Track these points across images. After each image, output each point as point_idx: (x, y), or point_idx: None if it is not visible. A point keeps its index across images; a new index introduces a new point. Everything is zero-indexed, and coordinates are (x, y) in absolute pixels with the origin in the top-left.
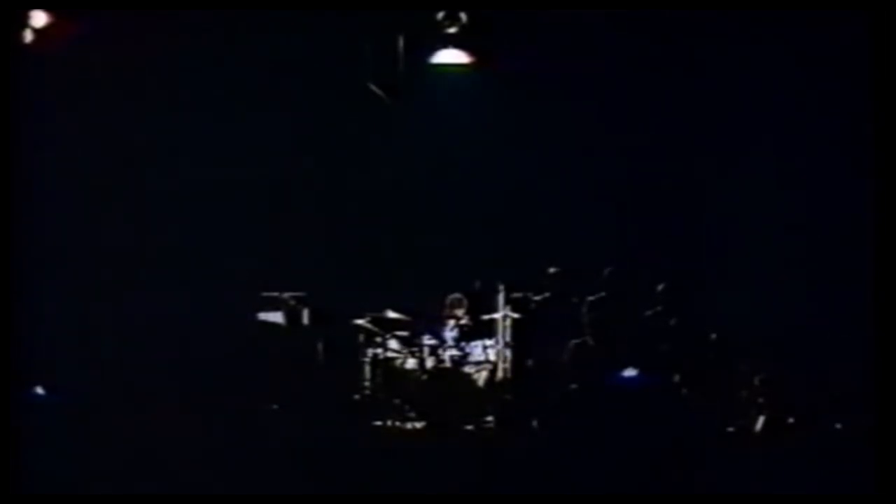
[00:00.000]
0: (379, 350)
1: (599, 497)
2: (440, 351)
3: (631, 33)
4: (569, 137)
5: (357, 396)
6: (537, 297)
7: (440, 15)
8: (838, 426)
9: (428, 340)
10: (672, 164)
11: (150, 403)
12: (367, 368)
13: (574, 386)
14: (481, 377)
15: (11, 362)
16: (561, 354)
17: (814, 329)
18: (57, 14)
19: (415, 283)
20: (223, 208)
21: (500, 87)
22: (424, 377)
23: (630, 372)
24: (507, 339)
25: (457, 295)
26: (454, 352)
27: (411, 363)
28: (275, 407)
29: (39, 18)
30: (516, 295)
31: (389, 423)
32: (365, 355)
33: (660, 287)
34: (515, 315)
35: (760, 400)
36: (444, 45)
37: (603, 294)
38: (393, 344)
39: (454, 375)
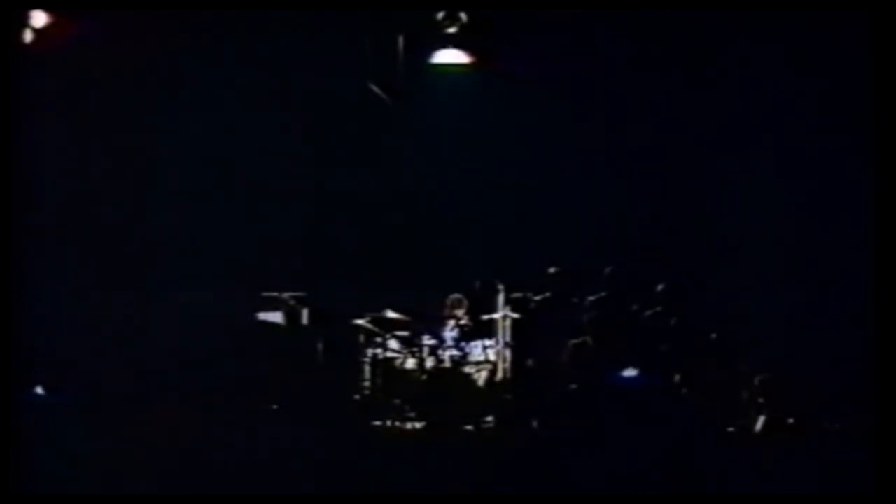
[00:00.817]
0: (379, 350)
1: (599, 497)
2: (440, 351)
3: (631, 33)
4: (569, 137)
5: (357, 396)
6: (537, 297)
7: (440, 15)
8: (838, 426)
9: (428, 340)
10: (672, 164)
11: (149, 403)
12: (367, 368)
13: (574, 386)
14: (481, 377)
15: (11, 362)
16: (561, 354)
17: (814, 329)
18: (57, 14)
19: (415, 283)
20: (223, 208)
21: (500, 87)
22: (424, 377)
23: (630, 372)
24: (507, 339)
25: (457, 295)
26: (454, 352)
27: (411, 363)
28: (275, 407)
29: (39, 18)
30: (516, 295)
31: (389, 423)
32: (365, 355)
33: (660, 287)
34: (515, 315)
35: (760, 400)
36: (444, 45)
37: (603, 294)
38: (393, 344)
39: (454, 375)
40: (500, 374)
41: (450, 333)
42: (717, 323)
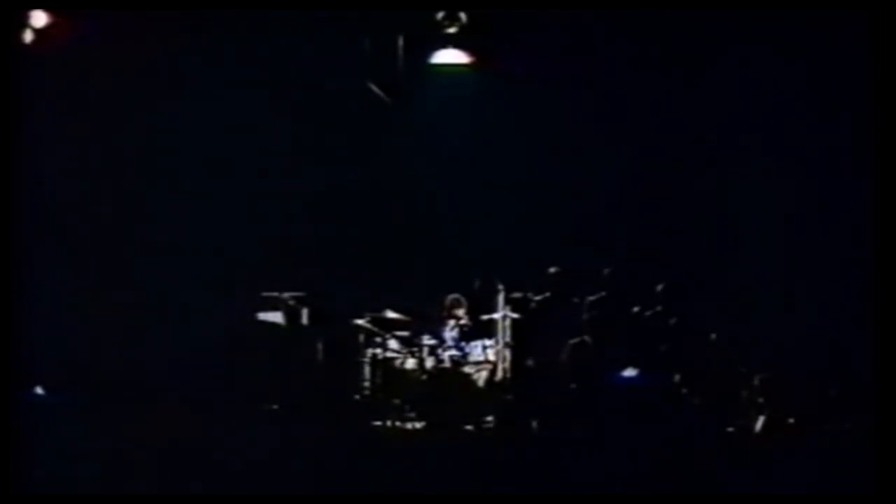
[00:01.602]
0: (379, 350)
1: (599, 497)
2: (440, 351)
3: (631, 33)
4: (569, 137)
5: (357, 396)
6: (537, 297)
7: (440, 15)
8: (838, 426)
9: (428, 340)
10: (672, 163)
11: (149, 403)
12: (367, 368)
13: (574, 386)
14: (481, 377)
15: (11, 362)
16: (561, 354)
17: (814, 329)
18: (57, 14)
19: (415, 283)
20: (223, 208)
21: (500, 87)
22: (424, 377)
23: (630, 372)
24: (507, 339)
25: (456, 295)
26: (454, 352)
27: (411, 363)
28: (275, 407)
29: (39, 18)
30: (516, 295)
31: (389, 423)
32: (365, 355)
33: (660, 287)
34: (515, 315)
35: (760, 400)
36: (444, 45)
37: (603, 294)
38: (393, 344)
39: (454, 375)
40: (500, 374)
41: (450, 333)
42: (717, 323)
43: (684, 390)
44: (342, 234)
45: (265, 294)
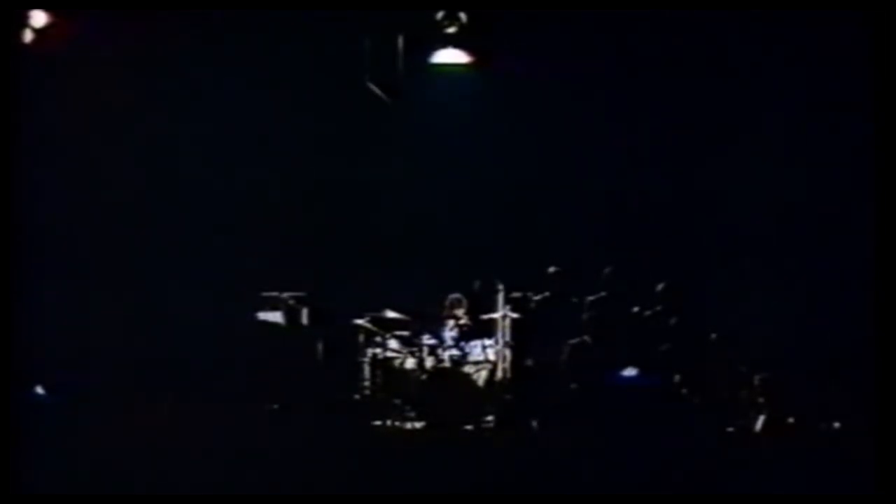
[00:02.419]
0: (379, 350)
1: (599, 497)
2: (440, 351)
3: (631, 33)
4: (568, 137)
5: (357, 396)
6: (537, 297)
7: (440, 15)
8: (838, 426)
9: (428, 340)
10: (671, 163)
11: (149, 403)
12: (367, 368)
13: (574, 386)
14: (481, 377)
15: (11, 362)
16: (561, 354)
17: (814, 329)
18: (57, 14)
19: (415, 283)
20: (223, 208)
21: (500, 87)
22: (424, 377)
23: (630, 372)
24: (507, 338)
25: (457, 295)
26: (454, 352)
27: (411, 363)
28: (275, 407)
29: (39, 18)
30: (516, 295)
31: (389, 423)
32: (365, 355)
33: (660, 287)
34: (515, 315)
35: (760, 400)
36: (444, 45)
37: (603, 294)
38: (393, 344)
39: (454, 375)
40: (499, 374)
41: (449, 333)
42: (717, 323)
43: (684, 390)
44: (342, 233)
45: (265, 294)
